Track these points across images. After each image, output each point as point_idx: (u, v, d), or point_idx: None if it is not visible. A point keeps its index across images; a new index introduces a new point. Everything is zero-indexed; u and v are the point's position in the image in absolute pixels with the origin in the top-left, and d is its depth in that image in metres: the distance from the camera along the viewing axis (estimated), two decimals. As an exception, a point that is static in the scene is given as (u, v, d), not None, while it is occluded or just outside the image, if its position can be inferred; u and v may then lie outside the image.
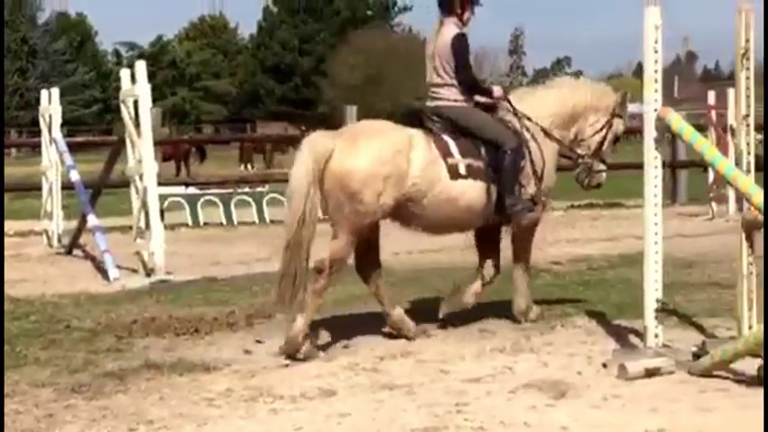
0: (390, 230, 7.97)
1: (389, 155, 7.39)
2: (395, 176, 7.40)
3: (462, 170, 7.77)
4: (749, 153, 6.55)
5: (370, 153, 7.36)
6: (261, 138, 44.17)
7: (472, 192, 7.81)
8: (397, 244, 10.64)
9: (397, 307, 7.86)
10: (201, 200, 17.65)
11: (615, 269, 10.86)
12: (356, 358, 7.08)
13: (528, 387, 6.21)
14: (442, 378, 6.52)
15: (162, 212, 13.87)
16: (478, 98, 8.18)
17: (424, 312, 8.19)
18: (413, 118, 8.47)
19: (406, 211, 7.65)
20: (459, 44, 8.02)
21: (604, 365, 6.63)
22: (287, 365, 6.93)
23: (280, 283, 7.26)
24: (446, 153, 7.76)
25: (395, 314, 7.79)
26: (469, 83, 8.14)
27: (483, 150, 7.93)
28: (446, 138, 7.87)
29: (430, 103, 8.12)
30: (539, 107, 8.25)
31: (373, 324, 8.15)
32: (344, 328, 8.05)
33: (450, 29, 8.09)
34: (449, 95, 8.03)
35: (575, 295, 9.35)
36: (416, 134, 7.75)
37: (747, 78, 6.57)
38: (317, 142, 7.42)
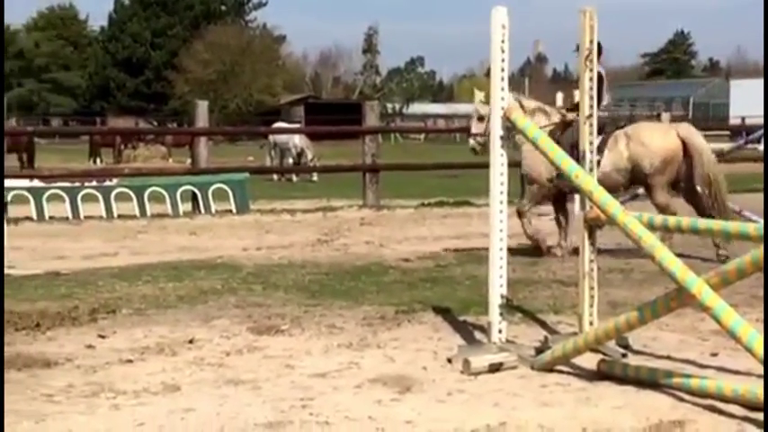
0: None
1: None
2: None
3: None
4: (592, 152, 6.68)
5: None
6: (110, 131, 43.42)
7: None
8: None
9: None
10: (47, 193, 17.24)
11: (463, 266, 10.98)
12: (201, 353, 7.00)
13: (374, 382, 6.22)
14: (288, 373, 6.49)
15: (5, 205, 13.52)
16: None
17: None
18: None
19: None
20: None
21: (449, 360, 6.69)
22: (130, 361, 6.81)
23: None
24: None
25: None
26: None
27: None
28: None
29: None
30: None
31: (220, 318, 8.09)
32: (190, 322, 7.99)
33: None
34: None
35: (422, 292, 9.42)
36: None
37: (591, 79, 6.70)
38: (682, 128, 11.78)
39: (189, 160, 26.04)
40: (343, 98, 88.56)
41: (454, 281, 10.07)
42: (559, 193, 12.11)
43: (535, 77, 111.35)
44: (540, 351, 6.67)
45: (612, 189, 12.38)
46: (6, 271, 10.54)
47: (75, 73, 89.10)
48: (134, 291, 9.48)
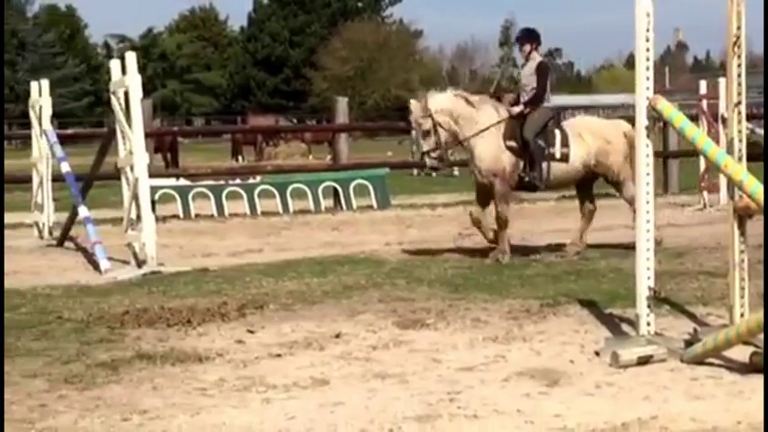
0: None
1: None
2: None
3: None
4: (740, 140, 6.53)
5: None
6: (252, 129, 44.05)
7: None
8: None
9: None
10: (193, 191, 17.62)
11: (607, 259, 10.86)
12: (348, 347, 7.07)
13: (521, 375, 6.21)
14: (435, 367, 6.51)
15: (153, 204, 13.86)
16: None
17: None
18: None
19: None
20: None
21: (597, 353, 6.64)
22: (279, 355, 6.91)
23: None
24: None
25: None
26: None
27: None
28: None
29: None
30: None
31: (365, 313, 8.16)
32: (336, 317, 8.08)
33: None
34: None
35: (566, 285, 9.36)
36: None
37: (739, 66, 6.54)
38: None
39: (329, 157, 26.28)
40: (480, 91, 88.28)
41: (598, 273, 9.97)
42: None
43: (675, 66, 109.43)
44: (689, 343, 6.56)
45: (570, 183, 11.99)
46: (156, 268, 10.84)
47: (216, 73, 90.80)
48: (280, 286, 9.63)
